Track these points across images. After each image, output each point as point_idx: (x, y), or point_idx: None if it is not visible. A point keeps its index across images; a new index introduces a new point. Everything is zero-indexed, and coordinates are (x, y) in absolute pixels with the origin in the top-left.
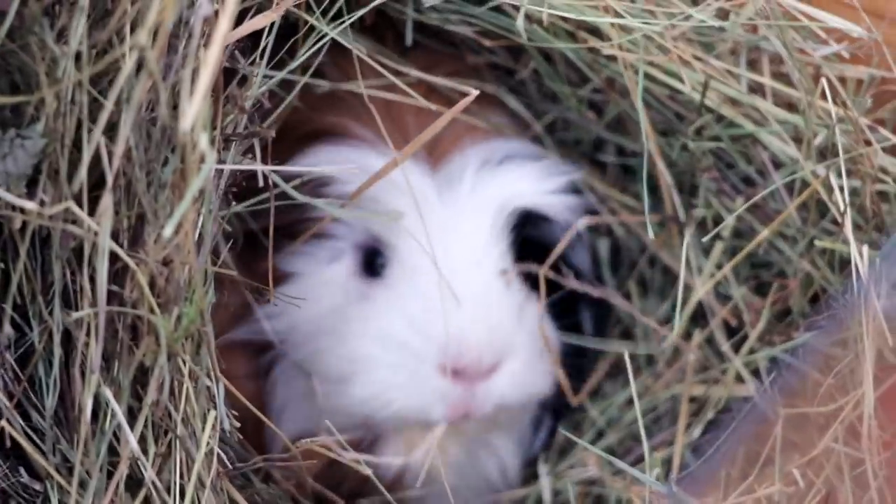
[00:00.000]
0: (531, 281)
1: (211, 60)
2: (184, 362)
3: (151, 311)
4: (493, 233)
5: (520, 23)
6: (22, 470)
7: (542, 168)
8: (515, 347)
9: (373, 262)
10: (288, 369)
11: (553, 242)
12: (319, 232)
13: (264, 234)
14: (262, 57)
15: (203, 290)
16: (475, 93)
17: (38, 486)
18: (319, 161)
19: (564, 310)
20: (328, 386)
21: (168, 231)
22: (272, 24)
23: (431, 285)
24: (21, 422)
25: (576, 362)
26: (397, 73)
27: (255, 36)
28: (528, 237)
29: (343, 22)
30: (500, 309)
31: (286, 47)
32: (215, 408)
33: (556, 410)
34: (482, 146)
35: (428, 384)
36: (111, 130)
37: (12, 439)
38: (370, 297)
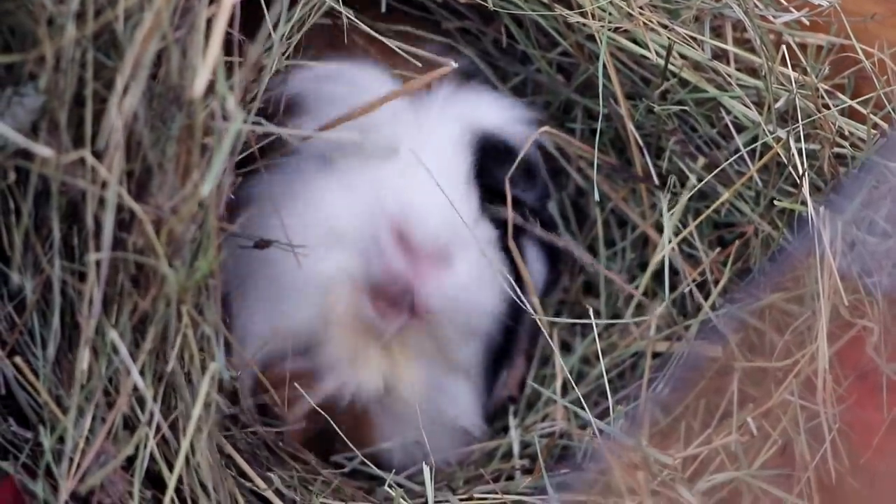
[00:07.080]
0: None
1: (221, 22)
2: (187, 313)
3: (162, 261)
4: (459, 149)
5: None
6: (11, 420)
7: (506, 101)
8: (469, 248)
9: None
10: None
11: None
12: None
13: None
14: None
15: (216, 244)
16: (454, 65)
17: (28, 434)
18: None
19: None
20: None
21: (206, 190)
22: None
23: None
24: (14, 370)
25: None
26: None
27: None
28: (489, 168)
29: None
30: (461, 207)
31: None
32: (213, 359)
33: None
34: (453, 84)
35: (377, 243)
36: (112, 85)
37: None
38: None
